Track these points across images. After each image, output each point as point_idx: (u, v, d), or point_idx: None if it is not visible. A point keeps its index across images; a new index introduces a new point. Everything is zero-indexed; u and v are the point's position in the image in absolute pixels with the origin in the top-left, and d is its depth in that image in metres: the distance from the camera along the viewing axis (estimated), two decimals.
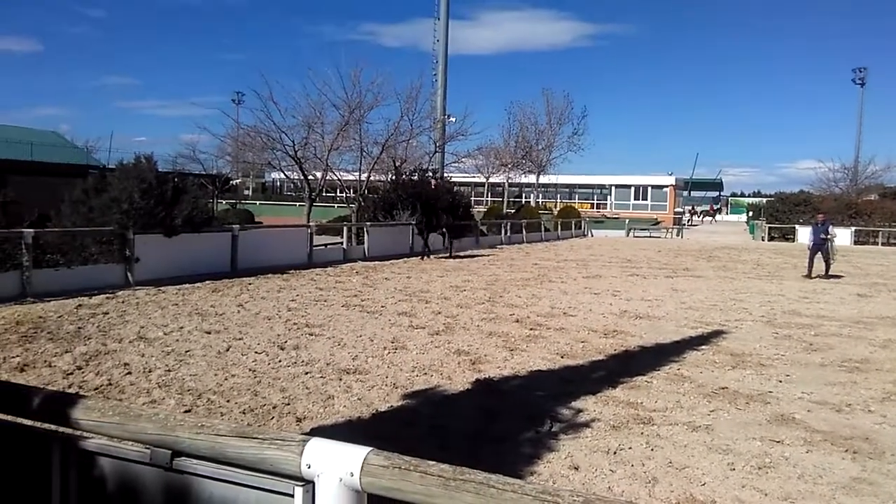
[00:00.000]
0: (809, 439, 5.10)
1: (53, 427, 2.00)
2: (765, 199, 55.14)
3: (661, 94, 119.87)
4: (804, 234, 18.81)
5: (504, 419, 5.34)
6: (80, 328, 8.05)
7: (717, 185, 78.76)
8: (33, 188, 16.64)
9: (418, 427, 5.08)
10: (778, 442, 5.02)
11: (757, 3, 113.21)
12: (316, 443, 1.64)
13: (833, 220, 23.86)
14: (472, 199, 50.73)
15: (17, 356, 6.71)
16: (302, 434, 1.91)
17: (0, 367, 6.26)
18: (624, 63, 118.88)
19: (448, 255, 20.68)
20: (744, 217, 57.39)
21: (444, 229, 20.73)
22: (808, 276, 17.29)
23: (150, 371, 6.34)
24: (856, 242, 37.76)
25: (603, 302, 12.02)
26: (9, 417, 2.07)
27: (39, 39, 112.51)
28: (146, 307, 9.67)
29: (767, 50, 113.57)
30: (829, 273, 17.46)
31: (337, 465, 1.58)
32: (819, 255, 17.33)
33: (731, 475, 4.39)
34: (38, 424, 2.04)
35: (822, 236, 17.38)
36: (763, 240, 37.91)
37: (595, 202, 59.70)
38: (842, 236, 37.62)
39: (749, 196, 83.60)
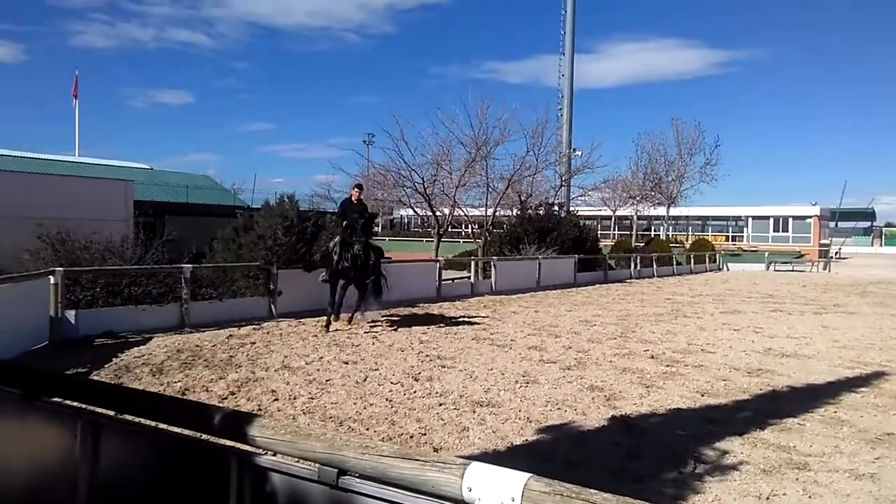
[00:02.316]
0: None
1: (230, 443, 2.18)
2: None
3: (799, 120, 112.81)
4: None
5: (644, 458, 5.16)
6: (231, 356, 8.64)
7: (869, 215, 72.71)
8: (189, 227, 18.14)
9: (554, 462, 5.02)
10: None
11: None
12: (477, 467, 1.68)
13: None
14: (599, 232, 50.02)
15: (179, 381, 7.30)
16: (462, 458, 1.96)
17: (165, 391, 6.82)
18: (757, 89, 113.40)
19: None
20: None
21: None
22: None
23: (295, 398, 6.69)
24: None
25: (744, 339, 11.38)
26: (193, 433, 2.29)
27: (190, 92, 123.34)
28: (289, 338, 10.23)
29: None
30: None
31: (498, 489, 1.62)
32: None
33: None
34: (217, 440, 2.23)
35: None
36: None
37: (730, 234, 56.84)
38: None
39: None
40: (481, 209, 29.29)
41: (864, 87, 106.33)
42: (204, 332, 10.46)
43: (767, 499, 4.41)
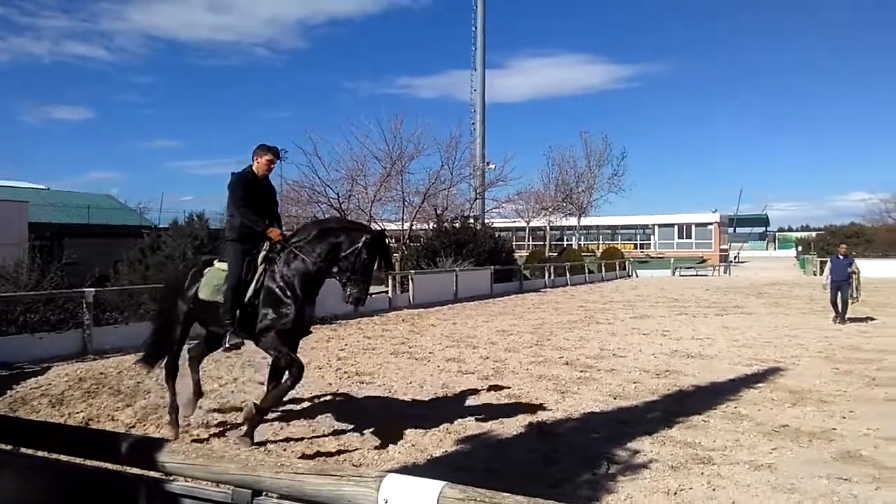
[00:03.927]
0: (878, 476, 4.93)
1: (139, 471, 2.11)
2: (814, 234, 53.91)
3: (700, 131, 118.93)
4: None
5: (560, 462, 5.29)
6: (139, 383, 8.28)
7: (764, 221, 77.35)
8: (91, 249, 17.33)
9: (474, 471, 5.07)
10: (845, 480, 4.86)
11: (794, 35, 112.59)
12: (392, 478, 1.71)
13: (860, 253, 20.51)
14: (514, 243, 50.89)
15: (81, 411, 6.94)
16: (378, 471, 1.98)
17: (67, 423, 6.47)
18: (660, 102, 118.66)
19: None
20: (792, 252, 56.05)
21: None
22: (841, 318, 14.55)
23: (208, 423, 6.48)
24: None
25: (653, 342, 11.86)
26: (98, 464, 2.20)
27: (89, 107, 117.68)
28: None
29: (810, 82, 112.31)
30: (847, 316, 14.67)
31: (413, 499, 1.64)
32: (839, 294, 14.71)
33: None
34: (125, 469, 2.15)
35: (850, 270, 14.66)
36: (815, 274, 36.84)
37: (638, 242, 59.15)
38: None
39: (797, 230, 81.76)
40: (398, 223, 29.35)
41: (756, 99, 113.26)
42: (109, 358, 9.98)
43: (675, 493, 4.62)
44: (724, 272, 40.47)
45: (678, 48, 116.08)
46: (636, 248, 56.78)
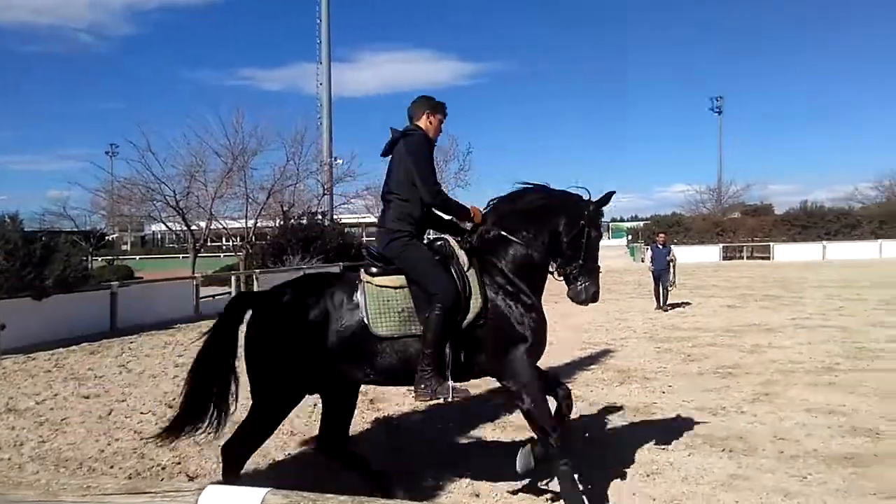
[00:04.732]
0: (691, 443, 5.45)
1: None
2: (642, 223, 58.41)
3: (541, 128, 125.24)
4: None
5: (405, 456, 5.36)
6: None
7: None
8: None
9: (317, 469, 5.00)
10: (664, 449, 5.33)
11: (632, 38, 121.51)
12: (211, 490, 1.63)
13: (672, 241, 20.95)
14: (364, 238, 50.64)
15: None
16: (198, 483, 1.89)
17: None
18: (504, 98, 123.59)
19: None
20: (624, 241, 60.46)
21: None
22: (661, 306, 15.09)
23: (21, 444, 5.88)
24: (724, 258, 40.71)
25: None
26: None
27: None
28: (14, 377, 8.96)
29: (640, 81, 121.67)
30: (668, 302, 15.30)
31: None
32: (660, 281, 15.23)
33: (624, 485, 4.62)
34: None
35: (668, 258, 15.26)
36: (642, 261, 40.03)
37: None
38: (711, 253, 40.66)
39: (628, 220, 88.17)
40: (242, 221, 28.23)
41: (595, 94, 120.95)
42: None
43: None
44: None
45: (520, 47, 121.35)
46: None
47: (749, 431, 5.77)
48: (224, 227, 29.77)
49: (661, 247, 15.69)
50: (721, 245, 41.92)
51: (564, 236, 4.20)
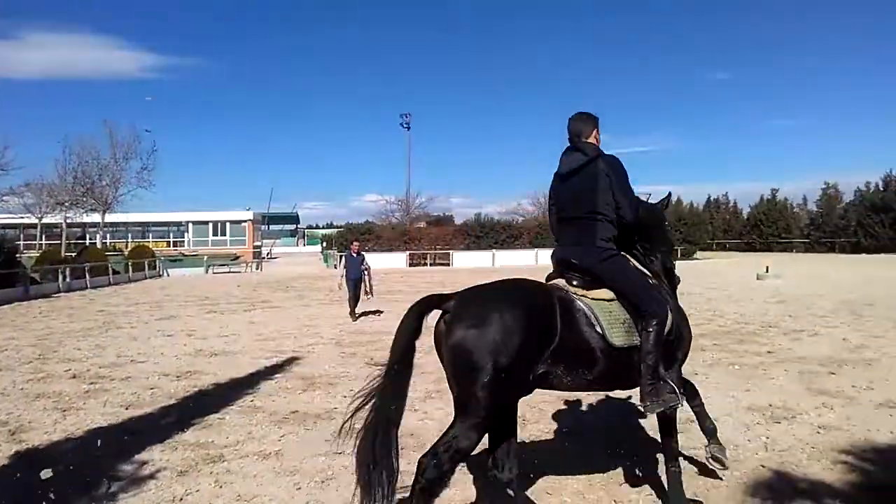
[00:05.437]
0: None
1: None
2: (336, 230, 59.72)
3: (236, 130, 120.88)
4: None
5: (55, 491, 4.65)
6: None
7: (294, 218, 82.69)
8: None
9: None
10: (340, 454, 5.38)
11: (330, 47, 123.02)
12: None
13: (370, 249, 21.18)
14: (23, 242, 43.94)
15: None
16: None
17: None
18: (197, 98, 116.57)
19: None
20: (319, 248, 61.18)
21: None
22: (355, 316, 14.81)
23: None
24: (410, 265, 43.53)
25: (177, 343, 11.49)
26: None
27: None
28: None
29: (340, 92, 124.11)
30: (360, 311, 15.12)
31: None
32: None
33: (297, 494, 4.58)
34: None
35: (362, 267, 15.19)
36: (335, 267, 40.95)
37: (172, 240, 56.93)
38: (399, 259, 43.19)
39: (323, 227, 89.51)
40: None
41: (292, 100, 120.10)
42: None
43: (181, 499, 4.49)
44: (257, 268, 41.83)
45: (212, 44, 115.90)
46: (169, 246, 54.60)
47: (420, 428, 6.14)
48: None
49: (354, 255, 15.68)
50: (408, 252, 44.79)
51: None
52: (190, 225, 56.99)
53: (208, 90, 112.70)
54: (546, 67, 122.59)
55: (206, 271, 39.37)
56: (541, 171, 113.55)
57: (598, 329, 3.87)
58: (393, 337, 3.81)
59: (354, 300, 15.01)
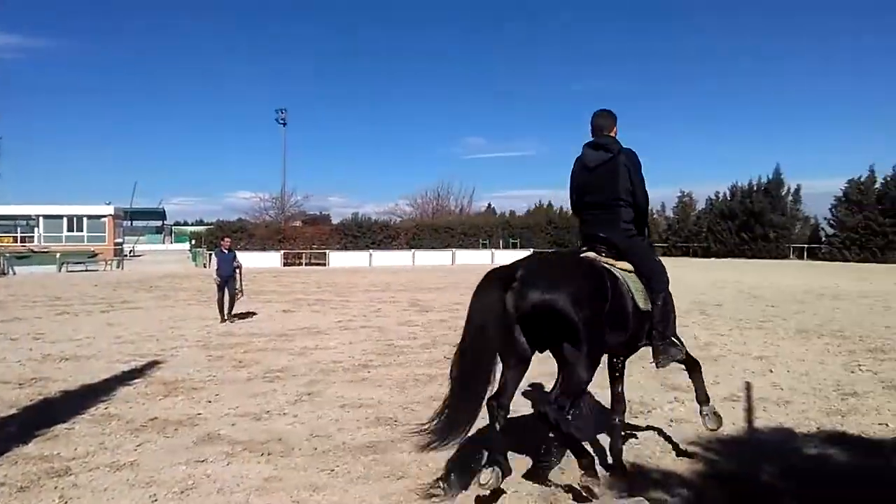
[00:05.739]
0: (231, 451, 5.41)
1: None
2: (206, 228, 57.20)
3: (95, 121, 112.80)
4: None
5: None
6: None
7: (160, 214, 78.33)
8: None
9: None
10: (202, 461, 5.17)
11: (204, 38, 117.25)
12: None
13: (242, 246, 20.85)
14: None
15: None
16: None
17: None
18: (54, 80, 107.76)
19: None
20: (187, 245, 58.32)
21: None
22: (229, 315, 14.18)
23: None
24: (285, 264, 42.51)
25: (22, 348, 10.54)
26: None
27: None
28: None
29: (212, 84, 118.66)
30: (233, 312, 14.43)
31: None
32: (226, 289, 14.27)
33: None
34: None
35: (234, 265, 14.55)
36: (205, 266, 39.17)
37: (20, 235, 52.18)
38: (273, 259, 42.03)
39: (192, 224, 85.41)
40: None
41: (164, 90, 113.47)
42: None
43: None
44: (118, 266, 39.25)
45: (70, 23, 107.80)
46: (16, 242, 50.06)
47: (289, 432, 6.00)
48: None
49: (226, 252, 14.81)
50: (282, 251, 43.68)
51: None
52: (41, 219, 52.50)
53: (60, 73, 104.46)
54: (424, 70, 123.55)
55: (60, 269, 36.47)
56: (419, 172, 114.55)
57: (631, 295, 4.48)
58: (469, 315, 4.01)
59: (229, 300, 14.33)
